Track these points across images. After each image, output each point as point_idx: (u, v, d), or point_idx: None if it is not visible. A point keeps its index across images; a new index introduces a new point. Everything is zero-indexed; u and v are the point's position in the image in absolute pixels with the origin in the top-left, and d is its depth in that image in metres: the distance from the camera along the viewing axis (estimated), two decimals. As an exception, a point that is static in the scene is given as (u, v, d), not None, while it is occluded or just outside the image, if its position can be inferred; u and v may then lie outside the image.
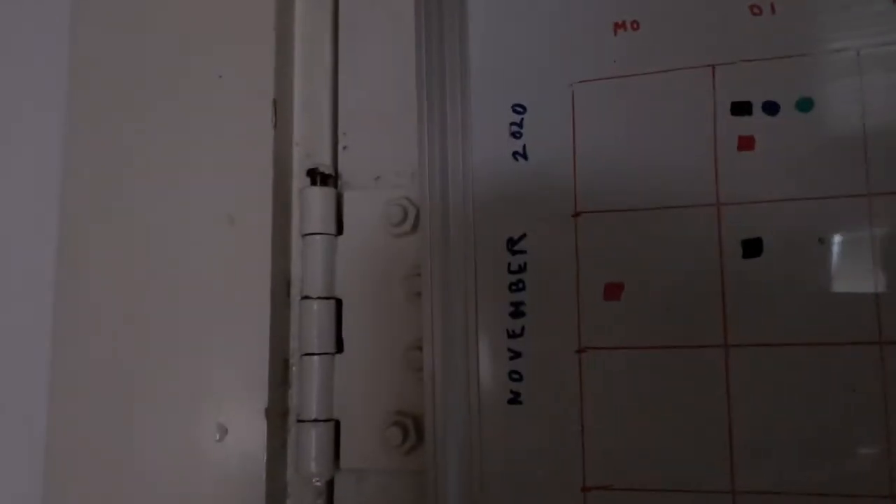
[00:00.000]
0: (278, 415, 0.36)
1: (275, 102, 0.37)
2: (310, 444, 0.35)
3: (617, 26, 0.31)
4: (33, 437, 0.38)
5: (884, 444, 0.27)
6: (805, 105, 0.29)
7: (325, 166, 0.38)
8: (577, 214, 0.31)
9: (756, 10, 0.29)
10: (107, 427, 0.36)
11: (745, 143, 0.29)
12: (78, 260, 0.38)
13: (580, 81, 0.31)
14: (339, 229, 0.37)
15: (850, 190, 0.28)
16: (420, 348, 0.33)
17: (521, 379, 0.31)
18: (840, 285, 0.28)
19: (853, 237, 0.28)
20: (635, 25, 0.31)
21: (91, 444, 0.37)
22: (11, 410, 0.40)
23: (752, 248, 0.29)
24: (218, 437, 0.35)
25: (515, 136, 0.32)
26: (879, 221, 0.28)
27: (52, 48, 0.41)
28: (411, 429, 0.34)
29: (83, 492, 0.37)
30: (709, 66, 0.30)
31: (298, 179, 0.39)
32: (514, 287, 0.32)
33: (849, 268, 0.28)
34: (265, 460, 0.35)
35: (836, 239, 0.29)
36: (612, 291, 0.30)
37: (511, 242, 0.32)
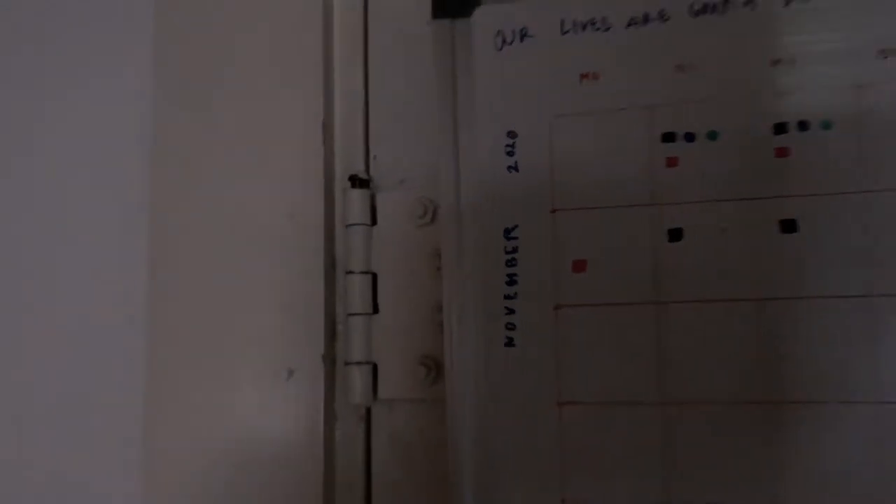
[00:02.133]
0: (330, 359, 0.48)
1: (324, 125, 0.49)
2: (355, 380, 0.47)
3: (583, 76, 0.43)
4: (132, 398, 0.49)
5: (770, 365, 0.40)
6: (713, 135, 0.42)
7: (362, 172, 0.50)
8: (554, 211, 0.43)
9: (680, 71, 0.42)
10: (201, 378, 0.48)
11: (671, 162, 0.42)
12: (167, 250, 0.50)
13: (556, 116, 0.44)
14: (374, 221, 0.49)
15: (746, 195, 0.41)
16: (439, 308, 0.46)
17: (514, 328, 0.43)
18: (734, 260, 0.41)
19: (745, 228, 0.41)
20: (596, 76, 0.43)
21: (190, 393, 0.48)
22: (111, 379, 0.51)
23: (676, 235, 0.42)
24: (286, 376, 0.47)
25: (509, 153, 0.44)
26: (756, 215, 0.41)
27: (139, 70, 0.52)
28: (433, 367, 0.46)
29: (179, 426, 0.48)
30: (648, 107, 0.42)
31: (341, 183, 0.50)
32: (509, 263, 0.44)
33: (740, 247, 0.41)
34: (322, 393, 0.47)
35: (734, 228, 0.41)
36: (579, 266, 0.43)
37: (507, 231, 0.44)
